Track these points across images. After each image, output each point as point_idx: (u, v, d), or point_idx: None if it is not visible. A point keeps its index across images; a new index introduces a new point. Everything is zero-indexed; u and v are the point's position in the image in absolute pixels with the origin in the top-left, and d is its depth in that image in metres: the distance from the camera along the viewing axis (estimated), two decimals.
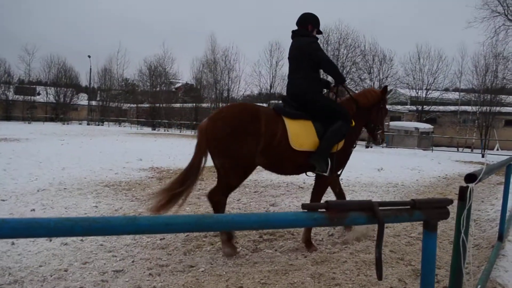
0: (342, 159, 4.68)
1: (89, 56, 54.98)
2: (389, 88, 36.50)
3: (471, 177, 1.91)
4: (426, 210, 1.67)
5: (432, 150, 25.26)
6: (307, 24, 4.67)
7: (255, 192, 8.07)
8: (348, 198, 7.76)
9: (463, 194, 1.84)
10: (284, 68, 60.89)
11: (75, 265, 3.76)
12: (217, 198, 4.26)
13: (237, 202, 6.97)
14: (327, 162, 4.36)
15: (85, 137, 24.37)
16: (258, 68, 43.39)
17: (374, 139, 5.23)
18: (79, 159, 12.03)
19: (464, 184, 2.05)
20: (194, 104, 48.39)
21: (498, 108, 28.73)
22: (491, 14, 18.27)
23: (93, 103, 58.13)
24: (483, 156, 22.37)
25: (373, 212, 1.52)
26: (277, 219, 1.32)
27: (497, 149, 28.42)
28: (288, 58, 4.69)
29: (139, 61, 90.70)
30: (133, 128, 47.69)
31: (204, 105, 48.32)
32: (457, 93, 35.74)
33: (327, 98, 4.78)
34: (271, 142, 4.15)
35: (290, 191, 8.38)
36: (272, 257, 4.07)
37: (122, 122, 55.24)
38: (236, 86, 44.23)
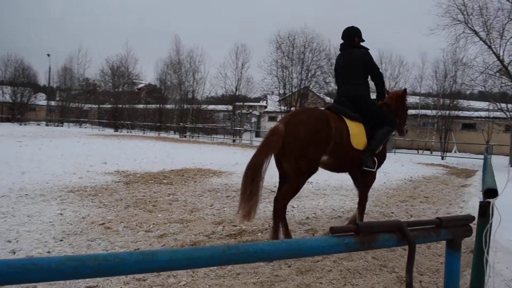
0: (382, 158, 5.31)
1: (48, 55, 52.91)
2: None
3: (491, 192, 1.80)
4: (452, 229, 1.56)
5: (395, 152, 25.81)
6: (353, 37, 5.23)
7: (227, 196, 7.89)
8: (320, 201, 7.72)
9: (485, 210, 1.73)
10: (250, 70, 61.28)
11: (43, 282, 3.46)
12: (286, 201, 4.61)
13: (210, 208, 6.76)
14: (374, 160, 4.95)
15: (44, 138, 23.34)
16: (224, 70, 43.03)
17: (401, 133, 5.89)
18: (39, 162, 11.44)
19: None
20: (158, 106, 47.47)
21: (456, 112, 29.74)
22: (452, 22, 18.81)
23: (52, 103, 55.99)
24: (442, 159, 23.06)
25: (403, 233, 1.40)
26: (307, 247, 1.17)
27: (455, 152, 29.45)
28: (341, 66, 5.20)
29: (101, 61, 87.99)
30: (94, 130, 46.29)
31: (168, 106, 47.51)
32: (418, 97, 36.76)
33: (377, 104, 5.30)
34: (339, 143, 4.56)
35: (262, 195, 8.20)
36: (255, 268, 3.90)
37: (83, 123, 53.53)
38: (201, 88, 43.72)
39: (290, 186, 4.53)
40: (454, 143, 29.78)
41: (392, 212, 6.88)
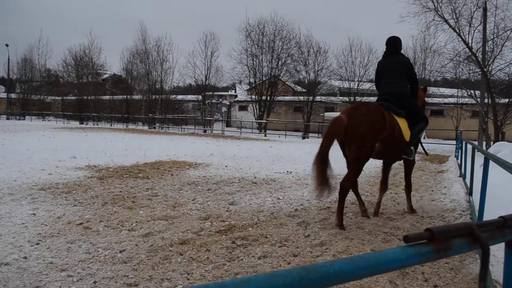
0: (415, 148, 6.20)
1: (6, 45, 50.45)
2: (322, 80, 37.37)
3: None
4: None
5: None
6: (398, 46, 6.06)
7: (208, 190, 7.63)
8: (304, 192, 7.58)
9: None
10: (219, 59, 60.68)
11: None
12: (349, 185, 5.20)
13: (193, 203, 6.49)
14: (412, 149, 5.83)
15: (6, 133, 22.26)
16: (193, 59, 42.32)
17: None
18: (3, 158, 10.81)
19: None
20: (125, 96, 46.28)
21: (426, 99, 30.25)
22: (422, 9, 18.93)
23: (13, 96, 53.66)
24: None
25: (474, 237, 1.22)
26: (387, 261, 0.98)
27: (424, 137, 30.04)
28: (386, 68, 5.92)
29: (63, 50, 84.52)
30: (59, 122, 44.65)
31: (136, 97, 46.42)
32: None
33: (415, 101, 5.97)
34: (391, 134, 5.22)
35: (244, 187, 8.02)
36: (254, 266, 3.69)
37: (46, 116, 51.59)
38: (170, 77, 42.91)
39: (350, 171, 5.22)
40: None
41: None
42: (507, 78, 20.25)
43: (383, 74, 5.98)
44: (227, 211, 5.96)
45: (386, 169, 6.23)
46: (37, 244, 4.25)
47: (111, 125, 41.65)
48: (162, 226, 5.02)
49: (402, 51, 6.23)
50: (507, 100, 19.77)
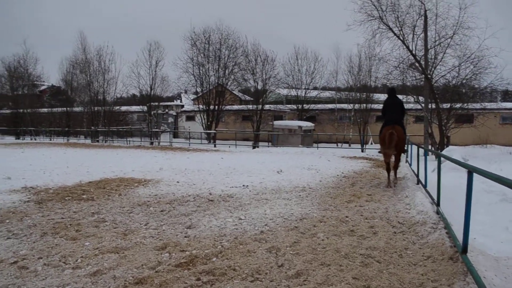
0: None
1: None
2: (270, 88, 37.42)
3: None
4: None
5: (318, 147, 26.16)
6: (395, 92, 10.64)
7: (161, 211, 6.98)
8: (266, 209, 7.12)
9: None
10: (165, 69, 59.26)
11: None
12: (397, 167, 10.38)
13: (146, 228, 5.83)
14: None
15: None
16: (137, 69, 40.85)
17: None
18: None
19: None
20: (65, 109, 43.97)
21: (371, 105, 31.02)
22: (367, 18, 19.28)
23: None
24: (363, 151, 23.77)
25: None
26: None
27: (371, 143, 30.72)
28: (391, 106, 10.22)
29: None
30: None
31: (77, 109, 44.25)
32: (334, 92, 37.89)
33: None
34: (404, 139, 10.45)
35: (200, 206, 7.44)
36: None
37: None
38: (113, 88, 41.26)
39: (396, 160, 10.18)
40: (370, 136, 31.08)
41: (346, 216, 6.45)
42: (448, 84, 21.04)
43: (388, 109, 10.25)
44: (185, 237, 5.36)
45: (397, 159, 10.34)
46: None
47: (51, 140, 39.36)
48: (112, 261, 4.35)
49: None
50: (449, 104, 20.51)
